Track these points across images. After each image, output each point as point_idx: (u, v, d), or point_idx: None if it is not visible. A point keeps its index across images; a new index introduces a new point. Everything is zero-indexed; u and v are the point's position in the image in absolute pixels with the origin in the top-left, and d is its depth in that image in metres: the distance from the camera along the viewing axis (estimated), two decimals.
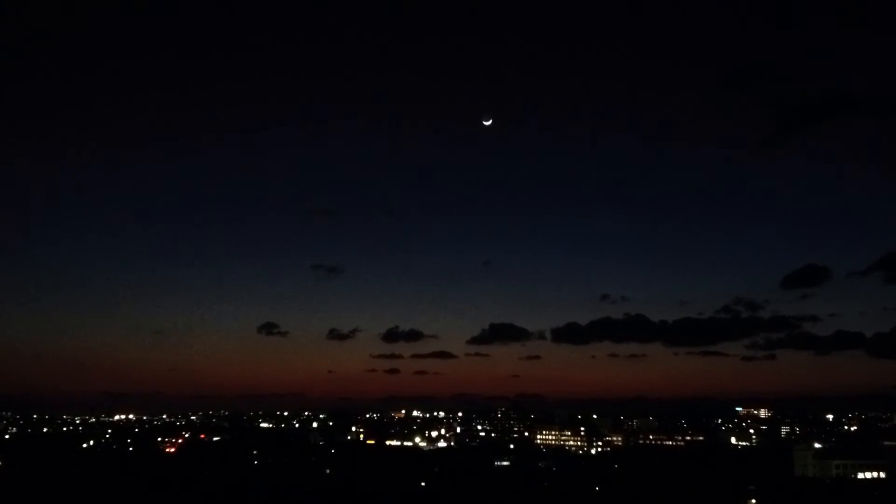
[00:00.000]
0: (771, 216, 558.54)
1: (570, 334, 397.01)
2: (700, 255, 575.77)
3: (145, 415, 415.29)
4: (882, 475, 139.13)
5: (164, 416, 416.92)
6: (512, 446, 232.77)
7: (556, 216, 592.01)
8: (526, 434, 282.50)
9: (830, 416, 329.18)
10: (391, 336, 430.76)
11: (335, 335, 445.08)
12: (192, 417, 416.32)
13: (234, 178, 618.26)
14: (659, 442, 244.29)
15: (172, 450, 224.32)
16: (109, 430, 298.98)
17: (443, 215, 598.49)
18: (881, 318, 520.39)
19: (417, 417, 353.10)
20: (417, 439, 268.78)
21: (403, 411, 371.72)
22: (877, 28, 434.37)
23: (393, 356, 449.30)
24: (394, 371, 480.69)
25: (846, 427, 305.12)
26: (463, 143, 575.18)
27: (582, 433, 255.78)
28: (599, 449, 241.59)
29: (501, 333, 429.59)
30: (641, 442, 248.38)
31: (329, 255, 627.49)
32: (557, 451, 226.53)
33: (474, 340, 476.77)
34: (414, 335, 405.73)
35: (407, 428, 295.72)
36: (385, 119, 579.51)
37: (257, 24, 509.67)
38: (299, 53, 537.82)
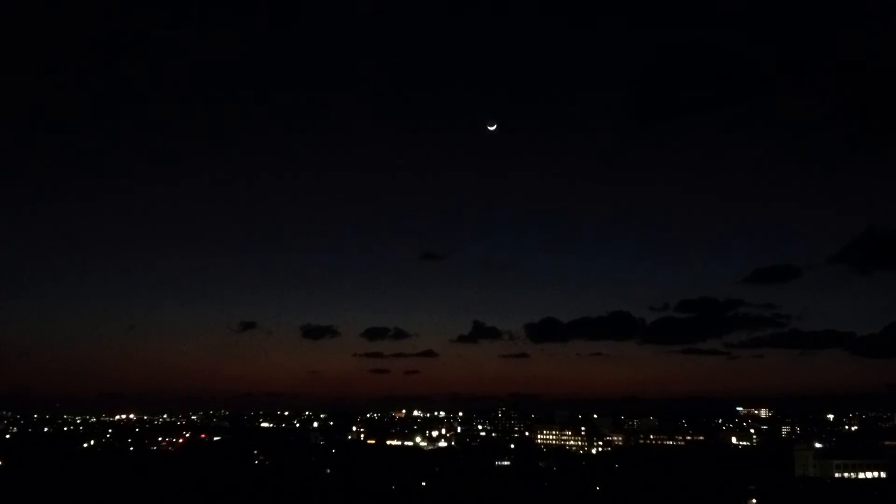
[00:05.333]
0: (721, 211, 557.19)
1: (551, 332, 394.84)
2: (668, 250, 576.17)
3: (145, 415, 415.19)
4: (882, 475, 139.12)
5: (165, 416, 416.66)
6: (512, 446, 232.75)
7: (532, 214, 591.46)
8: (526, 434, 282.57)
9: (831, 416, 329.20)
10: (372, 335, 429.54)
11: (315, 334, 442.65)
12: (193, 417, 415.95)
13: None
14: (659, 442, 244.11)
15: (173, 449, 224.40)
16: (109, 430, 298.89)
17: (418, 211, 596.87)
18: (857, 311, 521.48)
19: (418, 417, 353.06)
20: (418, 439, 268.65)
21: (404, 411, 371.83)
22: None
23: (377, 356, 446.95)
24: (383, 371, 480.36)
25: (846, 427, 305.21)
26: (449, 144, 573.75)
27: (582, 433, 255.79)
28: (600, 449, 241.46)
29: (485, 332, 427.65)
30: (642, 442, 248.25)
31: (304, 253, 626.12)
32: (558, 450, 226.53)
33: (460, 339, 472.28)
34: (394, 334, 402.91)
35: (407, 427, 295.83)
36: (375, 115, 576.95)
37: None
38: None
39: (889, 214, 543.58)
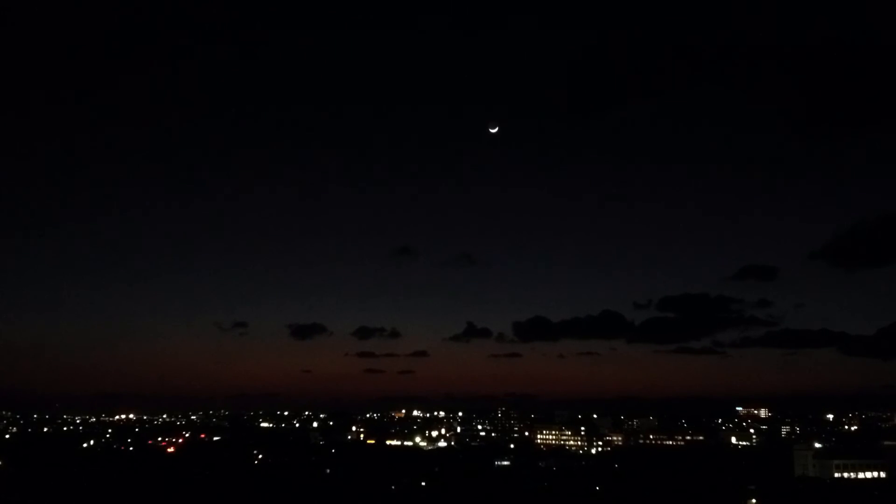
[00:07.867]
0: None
1: (541, 331, 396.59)
2: (653, 248, 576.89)
3: (145, 415, 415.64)
4: (882, 475, 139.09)
5: (164, 416, 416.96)
6: (512, 446, 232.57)
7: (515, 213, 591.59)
8: (526, 434, 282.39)
9: (830, 416, 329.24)
10: (363, 334, 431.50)
11: (305, 333, 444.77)
12: (193, 417, 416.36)
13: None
14: (659, 442, 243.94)
15: (172, 449, 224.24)
16: (109, 430, 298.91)
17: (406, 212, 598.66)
18: (845, 310, 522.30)
19: (417, 417, 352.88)
20: (418, 439, 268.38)
21: (403, 411, 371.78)
22: None
23: (369, 355, 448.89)
24: (377, 371, 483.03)
25: (846, 427, 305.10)
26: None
27: (582, 433, 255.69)
28: (600, 449, 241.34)
29: (476, 331, 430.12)
30: (642, 442, 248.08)
31: (295, 253, 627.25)
32: (558, 450, 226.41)
33: (452, 338, 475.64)
34: (385, 333, 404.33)
35: (407, 428, 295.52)
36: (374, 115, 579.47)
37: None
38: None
39: (875, 211, 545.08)
